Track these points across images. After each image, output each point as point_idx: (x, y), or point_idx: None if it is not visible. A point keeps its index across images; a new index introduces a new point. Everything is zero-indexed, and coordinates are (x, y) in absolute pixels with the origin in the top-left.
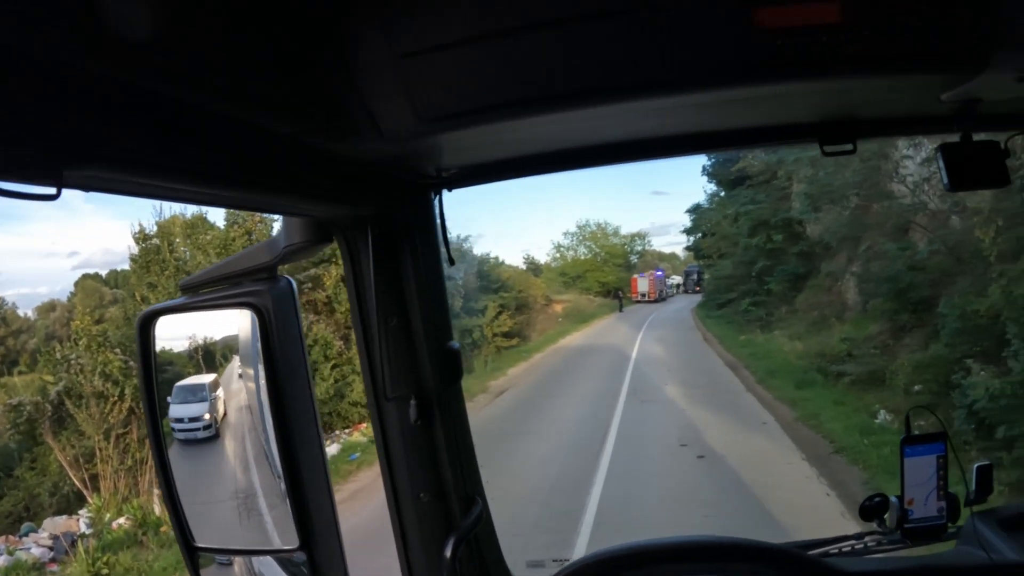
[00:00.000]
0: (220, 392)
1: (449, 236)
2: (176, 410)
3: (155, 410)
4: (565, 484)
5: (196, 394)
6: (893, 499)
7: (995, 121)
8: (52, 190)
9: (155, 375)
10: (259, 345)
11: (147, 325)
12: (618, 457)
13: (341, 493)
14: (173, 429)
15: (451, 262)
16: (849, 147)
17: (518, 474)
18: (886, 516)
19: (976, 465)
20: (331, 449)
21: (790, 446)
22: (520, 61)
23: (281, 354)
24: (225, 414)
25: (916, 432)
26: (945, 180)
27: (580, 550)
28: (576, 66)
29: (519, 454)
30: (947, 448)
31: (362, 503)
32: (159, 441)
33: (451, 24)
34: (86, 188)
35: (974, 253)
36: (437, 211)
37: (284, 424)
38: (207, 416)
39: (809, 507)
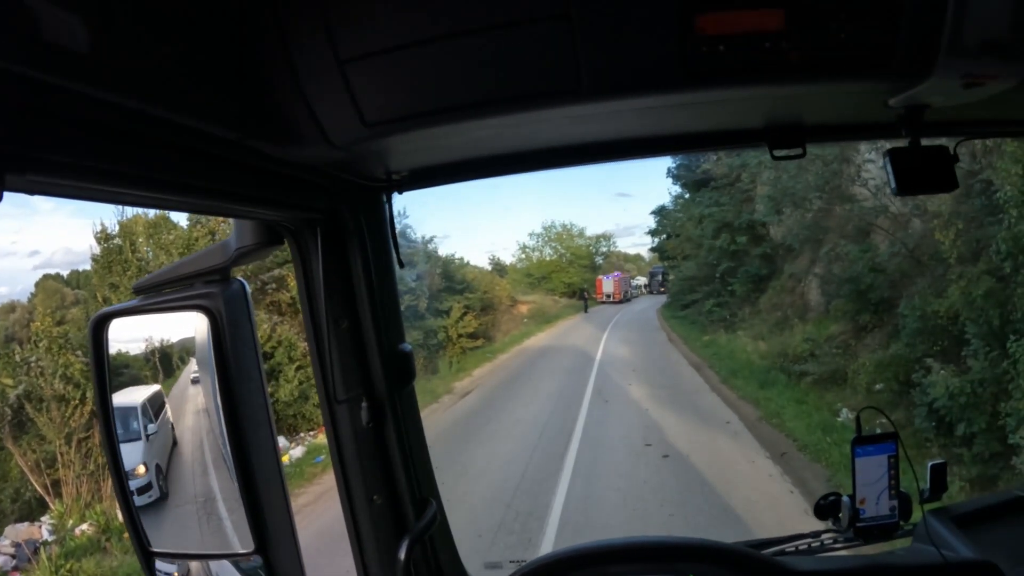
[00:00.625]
0: (166, 407)
1: (414, 237)
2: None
3: (109, 414)
4: (530, 485)
5: (127, 427)
6: (845, 498)
7: (943, 127)
8: None
9: (108, 378)
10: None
11: (100, 327)
12: (583, 457)
13: (306, 496)
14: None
15: (400, 265)
16: (798, 151)
17: (483, 475)
18: (840, 514)
19: (930, 463)
20: (296, 452)
21: (753, 445)
22: (462, 65)
23: (233, 357)
24: (173, 427)
25: (868, 432)
26: (893, 184)
27: (545, 550)
28: (517, 70)
29: (484, 455)
30: (898, 448)
31: (327, 505)
32: (113, 446)
33: (392, 29)
34: (29, 192)
35: (934, 255)
36: (387, 214)
37: (237, 428)
38: (141, 469)
39: (772, 504)
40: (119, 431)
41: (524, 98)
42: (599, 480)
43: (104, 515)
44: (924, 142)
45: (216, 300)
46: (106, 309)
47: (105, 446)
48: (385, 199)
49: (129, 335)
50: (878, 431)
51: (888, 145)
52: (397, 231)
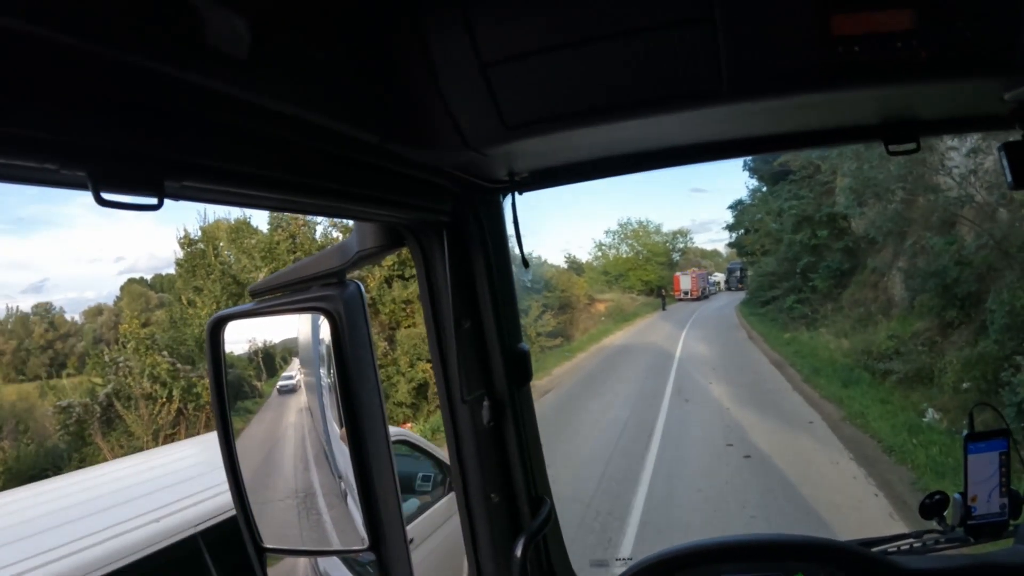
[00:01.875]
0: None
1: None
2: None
3: (225, 412)
4: (609, 484)
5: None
6: (956, 496)
7: None
8: (154, 200)
9: (225, 379)
10: (322, 349)
11: (217, 329)
12: (663, 457)
13: None
14: (278, 388)
15: (525, 264)
16: (912, 146)
17: (562, 474)
18: (946, 513)
19: None
20: None
21: (837, 445)
22: (601, 68)
23: (352, 358)
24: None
25: (979, 429)
26: (1009, 179)
27: (626, 551)
28: (659, 73)
29: (563, 453)
30: (1010, 445)
31: None
32: (230, 444)
33: (534, 32)
34: (183, 198)
35: (1022, 246)
36: (509, 214)
37: (355, 426)
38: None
39: (856, 507)
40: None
41: (665, 100)
42: (680, 480)
43: None
44: None
45: (335, 302)
46: (223, 311)
47: (222, 445)
48: (505, 198)
49: (234, 336)
50: (965, 432)
51: (959, 159)
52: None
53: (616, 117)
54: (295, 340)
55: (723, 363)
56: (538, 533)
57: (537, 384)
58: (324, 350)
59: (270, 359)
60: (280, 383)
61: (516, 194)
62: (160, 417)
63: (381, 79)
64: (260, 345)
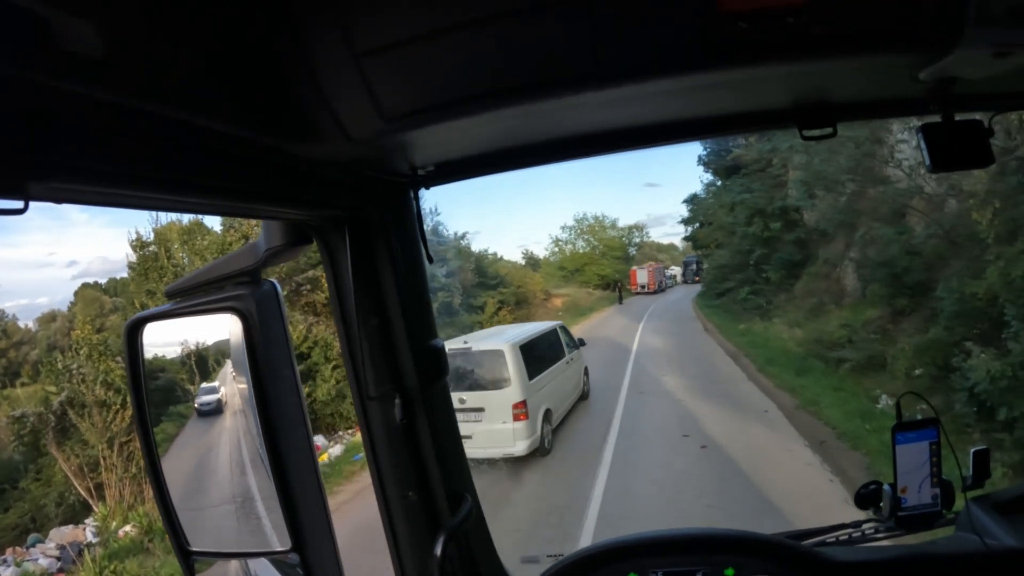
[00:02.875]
0: (222, 389)
1: (446, 233)
2: (200, 400)
3: (145, 417)
4: (567, 478)
5: (212, 391)
6: (886, 487)
7: (976, 101)
8: (19, 204)
9: (144, 382)
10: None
11: (134, 332)
12: (620, 450)
13: (344, 493)
14: (197, 409)
15: (430, 260)
16: (829, 130)
17: (519, 470)
18: (881, 504)
19: (973, 450)
20: (335, 450)
21: (792, 434)
22: (481, 54)
23: (265, 357)
24: (226, 401)
25: (908, 418)
26: (927, 161)
27: (584, 544)
28: (538, 56)
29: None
30: (940, 434)
31: (366, 501)
32: (150, 448)
33: (408, 20)
34: (54, 200)
35: (971, 236)
36: (414, 209)
37: (271, 427)
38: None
39: (812, 494)
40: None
41: (542, 85)
42: (637, 472)
43: (147, 516)
44: (957, 117)
45: (247, 302)
46: (139, 314)
47: (143, 448)
48: (412, 195)
49: (165, 339)
50: (919, 417)
51: (920, 122)
52: (428, 228)
53: (496, 105)
54: (227, 341)
55: (679, 355)
56: (458, 529)
57: None
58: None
59: (203, 361)
60: (198, 401)
61: (423, 189)
62: (114, 424)
63: (254, 73)
64: (192, 347)
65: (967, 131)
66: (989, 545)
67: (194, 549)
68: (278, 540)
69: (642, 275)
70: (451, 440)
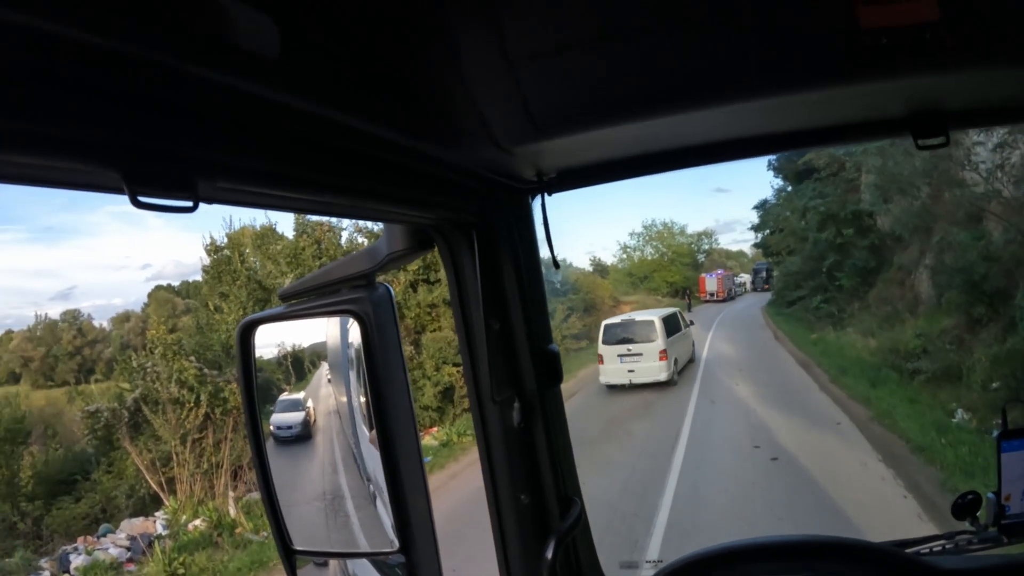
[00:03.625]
0: (310, 403)
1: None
2: (277, 418)
3: (255, 415)
4: (636, 487)
5: (295, 406)
6: (990, 495)
7: None
8: (189, 203)
9: (255, 383)
10: (351, 352)
11: (247, 334)
12: (690, 459)
13: None
14: (274, 433)
15: (556, 266)
16: (942, 140)
17: (588, 477)
18: (979, 513)
19: None
20: None
21: (865, 446)
22: (631, 64)
23: (382, 360)
24: (315, 420)
25: (1013, 427)
26: None
27: (652, 553)
28: (686, 69)
29: (589, 456)
30: None
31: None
32: (259, 446)
33: (561, 27)
34: (216, 200)
35: None
36: (539, 215)
37: (385, 428)
38: (299, 421)
39: (885, 509)
40: (289, 408)
41: (695, 96)
42: (706, 482)
43: (216, 512)
44: None
45: (364, 304)
46: (252, 316)
47: (252, 447)
48: (536, 200)
49: (264, 340)
50: (995, 432)
51: (984, 154)
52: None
53: (646, 114)
54: (324, 344)
55: (749, 364)
56: (568, 534)
57: (563, 387)
58: (353, 353)
59: (299, 363)
60: (275, 423)
61: (546, 195)
62: (187, 421)
63: (409, 77)
64: (289, 349)
65: None
66: None
67: (298, 548)
68: (368, 540)
69: (711, 282)
70: (564, 444)
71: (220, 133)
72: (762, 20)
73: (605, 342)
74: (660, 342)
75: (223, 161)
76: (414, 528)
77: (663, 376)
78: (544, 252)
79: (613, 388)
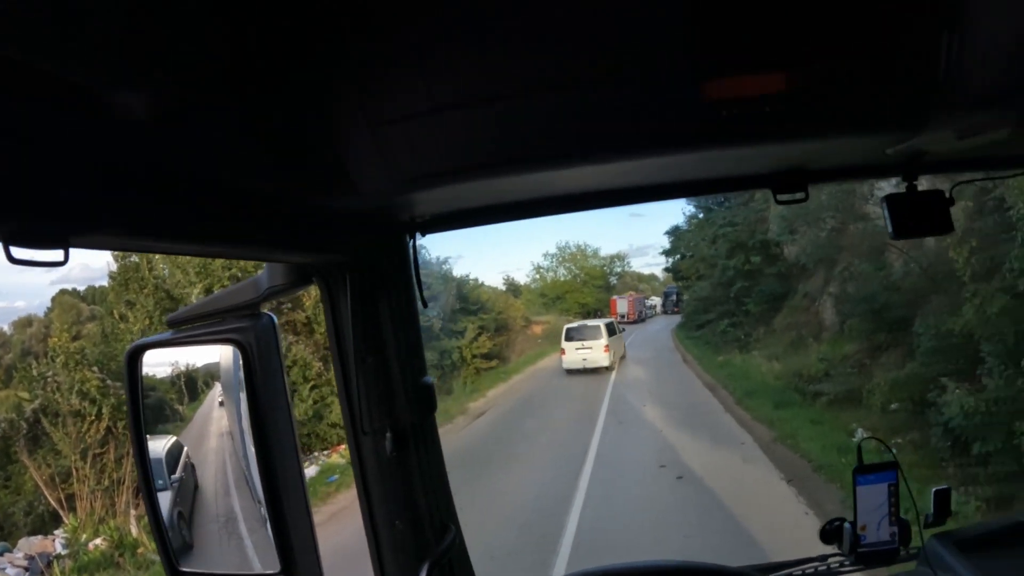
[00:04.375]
0: (184, 451)
1: (428, 258)
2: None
3: (142, 439)
4: (544, 506)
5: (171, 461)
6: (847, 525)
7: (942, 166)
8: (60, 256)
9: (142, 408)
10: (241, 375)
11: (135, 358)
12: (597, 479)
13: (320, 515)
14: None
15: (424, 304)
16: (801, 195)
17: (496, 497)
18: (841, 540)
19: (934, 489)
20: (310, 471)
21: (768, 466)
22: (487, 128)
23: (263, 387)
24: (194, 468)
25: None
26: (890, 229)
27: (558, 573)
28: (534, 133)
29: (497, 477)
30: (898, 476)
31: (342, 524)
32: (147, 471)
33: (422, 95)
34: (90, 248)
35: (948, 273)
36: (411, 255)
37: (266, 453)
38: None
39: (788, 527)
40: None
41: (538, 159)
42: (613, 502)
43: (118, 530)
44: (922, 182)
45: (248, 334)
46: (141, 340)
47: (139, 471)
48: (409, 241)
49: (158, 360)
50: (894, 452)
51: (888, 188)
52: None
53: (495, 174)
54: (217, 364)
55: (658, 385)
56: (443, 558)
57: (472, 406)
58: (243, 377)
59: (192, 383)
60: (219, 398)
61: (418, 236)
62: (89, 435)
63: (281, 133)
64: (183, 369)
65: (929, 201)
66: None
67: (184, 569)
68: (260, 562)
69: (622, 304)
70: (438, 471)
71: (93, 193)
72: (604, 90)
73: (567, 340)
74: (604, 340)
75: (97, 218)
76: (296, 550)
77: (606, 363)
78: (419, 291)
79: (525, 403)
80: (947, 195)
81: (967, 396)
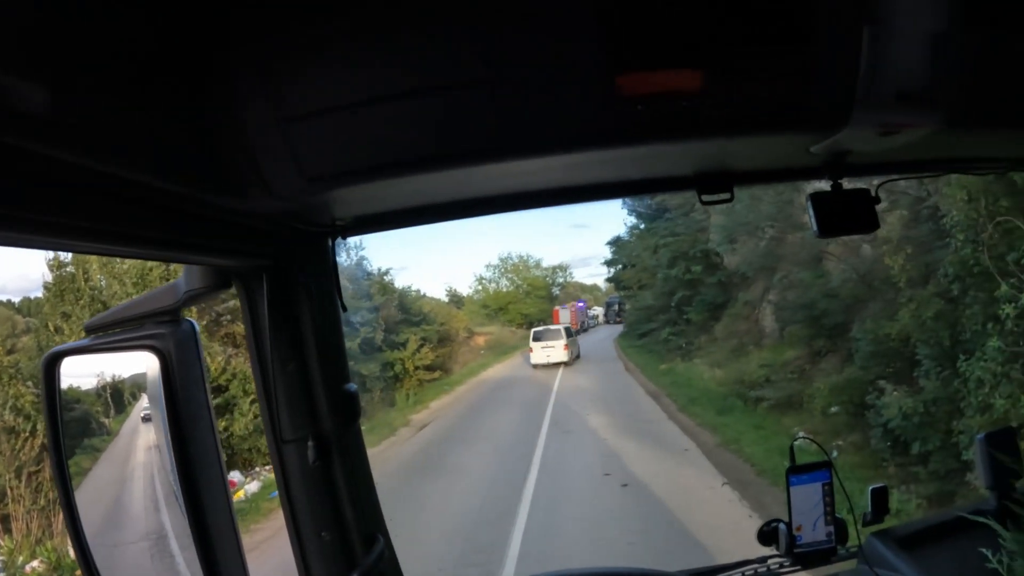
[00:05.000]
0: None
1: (370, 268)
2: None
3: (61, 452)
4: (489, 516)
5: None
6: (782, 526)
7: (867, 168)
8: None
9: (60, 417)
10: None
11: (52, 366)
12: (542, 488)
13: (263, 532)
14: None
15: (343, 309)
16: (727, 196)
17: (441, 508)
18: (778, 541)
19: (871, 487)
20: (252, 487)
21: (712, 471)
22: (400, 125)
23: (183, 397)
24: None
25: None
26: (815, 227)
27: None
28: (452, 130)
29: (442, 488)
30: (832, 475)
31: (285, 540)
32: (66, 484)
33: (330, 91)
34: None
35: (884, 280)
36: (332, 259)
37: (187, 467)
38: None
39: (731, 529)
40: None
41: (453, 157)
42: (558, 510)
43: (55, 552)
44: (848, 182)
45: (166, 341)
46: (58, 348)
47: (58, 484)
48: (330, 244)
49: (82, 371)
50: (834, 452)
51: (810, 188)
52: (351, 263)
53: (410, 172)
54: (144, 375)
55: (601, 394)
56: (372, 569)
57: (415, 418)
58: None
59: (119, 394)
60: (143, 411)
61: (340, 239)
62: (23, 453)
63: (186, 131)
64: (108, 380)
65: (855, 199)
66: None
67: None
68: None
69: (564, 315)
70: (365, 482)
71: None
72: (516, 86)
73: (534, 340)
74: (564, 341)
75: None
76: (222, 568)
77: (565, 359)
78: (338, 294)
79: (469, 414)
80: (873, 193)
81: (905, 398)
